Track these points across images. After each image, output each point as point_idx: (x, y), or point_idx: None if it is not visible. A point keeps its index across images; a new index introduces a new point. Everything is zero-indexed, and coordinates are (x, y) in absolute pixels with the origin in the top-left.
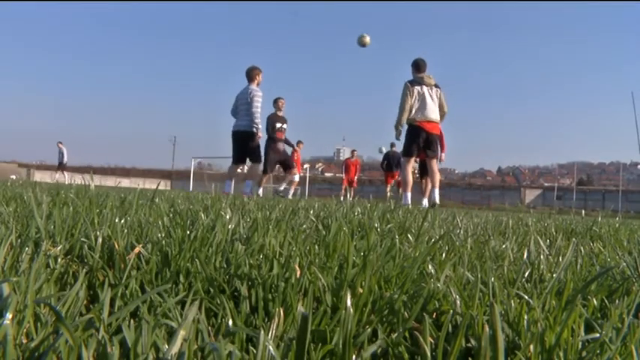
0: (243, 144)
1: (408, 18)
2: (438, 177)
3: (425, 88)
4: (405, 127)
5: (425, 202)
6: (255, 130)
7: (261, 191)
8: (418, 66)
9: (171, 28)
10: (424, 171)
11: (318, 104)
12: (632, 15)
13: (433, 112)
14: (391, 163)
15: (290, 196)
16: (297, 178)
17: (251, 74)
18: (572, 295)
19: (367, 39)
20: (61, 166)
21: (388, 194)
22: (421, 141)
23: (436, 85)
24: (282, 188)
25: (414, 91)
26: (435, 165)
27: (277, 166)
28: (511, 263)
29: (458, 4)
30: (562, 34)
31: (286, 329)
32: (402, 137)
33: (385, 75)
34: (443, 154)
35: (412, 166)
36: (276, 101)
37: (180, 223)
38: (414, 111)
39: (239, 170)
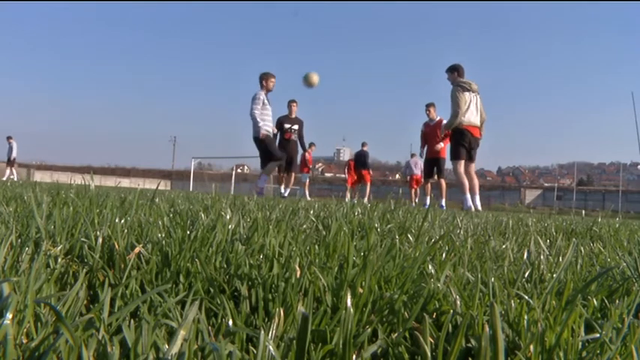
0: (262, 147)
1: (408, 18)
2: (476, 181)
3: (472, 95)
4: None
5: (428, 200)
6: (255, 133)
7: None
8: (461, 71)
9: (171, 28)
10: (430, 173)
11: (317, 104)
12: (632, 15)
13: (476, 118)
14: (364, 161)
15: (308, 197)
16: (306, 179)
17: (259, 79)
18: (573, 295)
19: (314, 79)
20: (10, 162)
21: (349, 194)
22: (467, 144)
23: (477, 92)
24: (288, 193)
25: (465, 97)
26: (473, 168)
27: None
28: (511, 263)
29: (458, 4)
30: (562, 35)
31: (286, 329)
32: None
33: (385, 75)
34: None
35: (462, 167)
36: (288, 104)
37: (181, 223)
38: (463, 116)
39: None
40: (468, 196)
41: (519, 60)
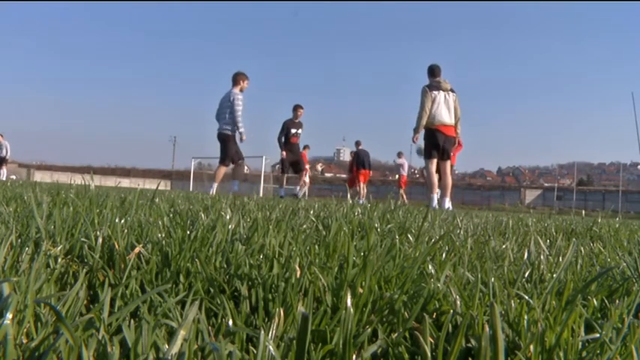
0: (224, 145)
1: (408, 17)
2: (450, 181)
3: (442, 93)
4: (422, 130)
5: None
6: (237, 132)
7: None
8: (433, 71)
9: (171, 28)
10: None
11: (318, 104)
12: (632, 15)
13: (448, 116)
14: (363, 161)
15: (300, 196)
16: (306, 179)
17: (235, 79)
18: (573, 295)
19: None
20: (2, 161)
21: (349, 193)
22: (439, 143)
23: (452, 90)
24: (297, 190)
25: (432, 96)
26: (447, 167)
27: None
28: (511, 263)
29: (457, 4)
30: (562, 34)
31: (286, 329)
32: (419, 141)
33: (385, 75)
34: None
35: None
36: (295, 108)
37: (181, 223)
38: (431, 115)
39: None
40: (435, 195)
41: (520, 60)
